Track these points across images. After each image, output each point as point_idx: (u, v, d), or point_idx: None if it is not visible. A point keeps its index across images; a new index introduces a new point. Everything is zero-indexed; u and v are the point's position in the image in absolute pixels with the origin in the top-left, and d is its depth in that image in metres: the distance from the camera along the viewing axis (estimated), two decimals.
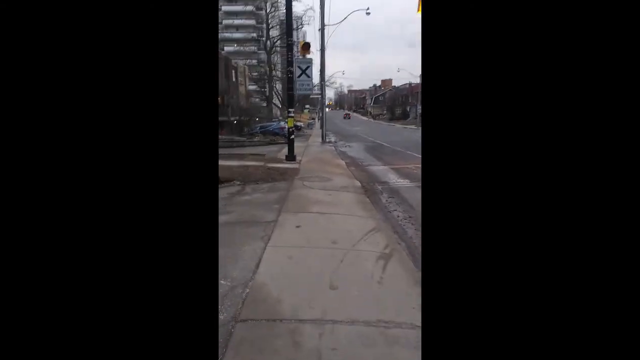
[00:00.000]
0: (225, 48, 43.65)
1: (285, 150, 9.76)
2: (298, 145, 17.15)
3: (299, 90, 10.12)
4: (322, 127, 20.10)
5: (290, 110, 9.76)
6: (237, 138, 19.11)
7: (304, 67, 9.95)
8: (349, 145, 18.17)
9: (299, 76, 9.83)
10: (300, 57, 11.07)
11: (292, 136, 9.77)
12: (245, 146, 17.61)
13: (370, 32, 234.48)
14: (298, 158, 11.09)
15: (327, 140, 20.32)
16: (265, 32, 30.83)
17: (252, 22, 53.73)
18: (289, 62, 9.18)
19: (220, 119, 22.77)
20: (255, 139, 19.06)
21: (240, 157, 10.79)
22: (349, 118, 64.52)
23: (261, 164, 9.31)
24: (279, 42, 29.54)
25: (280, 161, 10.29)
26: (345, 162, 10.65)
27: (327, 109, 26.75)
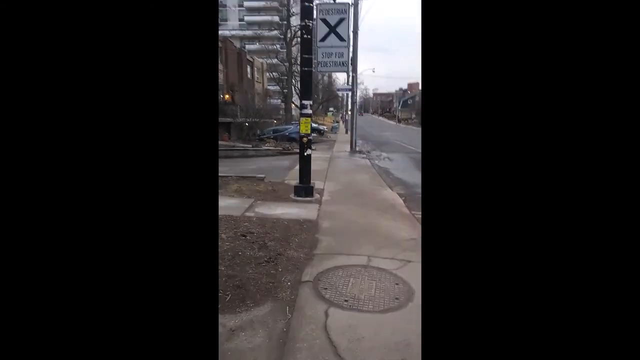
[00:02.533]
0: (247, 47, 39.96)
1: (310, 152, 5.58)
2: (319, 157, 12.44)
3: (323, 64, 5.51)
4: (351, 131, 15.48)
5: (305, 104, 5.22)
6: (240, 145, 14.80)
7: (333, 20, 5.04)
8: (388, 158, 13.45)
9: (324, 38, 5.16)
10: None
11: (309, 151, 5.27)
12: (249, 156, 13.23)
13: (397, 33, 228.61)
14: (318, 184, 6.55)
15: (357, 148, 15.73)
16: (285, 18, 26.52)
17: (276, 19, 50.12)
18: (304, 10, 4.60)
19: (222, 119, 18.47)
20: (264, 147, 14.70)
21: (225, 182, 6.40)
22: (362, 115, 60.91)
23: (242, 205, 4.86)
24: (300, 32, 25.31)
25: (284, 193, 5.80)
26: (403, 199, 5.98)
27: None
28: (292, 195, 5.60)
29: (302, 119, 5.37)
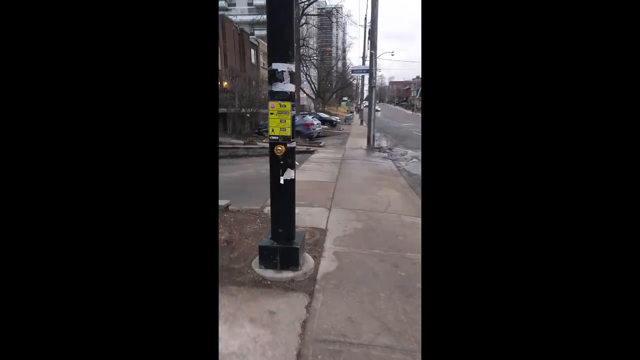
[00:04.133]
0: (257, 32, 36.95)
1: (295, 175, 2.70)
2: (327, 157, 9.25)
3: None
4: (369, 123, 12.39)
5: (278, 71, 2.29)
6: (228, 142, 11.94)
7: None
8: (417, 158, 10.38)
9: None
10: None
11: (289, 173, 2.38)
12: (238, 156, 10.34)
13: (413, 18, 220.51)
14: (317, 219, 3.74)
15: (376, 144, 12.69)
16: None
17: None
18: None
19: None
20: (260, 144, 11.79)
21: None
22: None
23: None
24: (310, 7, 22.04)
25: (248, 254, 2.90)
26: None
27: (366, 102, 19.15)
28: (256, 269, 2.68)
29: (274, 106, 2.45)
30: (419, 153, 11.12)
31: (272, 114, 2.47)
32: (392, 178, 7.09)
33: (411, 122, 31.99)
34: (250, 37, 26.36)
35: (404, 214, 4.56)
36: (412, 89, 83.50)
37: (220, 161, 9.62)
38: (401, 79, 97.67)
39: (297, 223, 2.86)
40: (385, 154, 10.79)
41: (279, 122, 2.50)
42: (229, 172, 7.69)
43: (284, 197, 2.61)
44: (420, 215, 4.53)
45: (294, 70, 2.48)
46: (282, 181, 2.56)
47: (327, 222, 4.08)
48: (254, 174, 7.43)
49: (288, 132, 2.50)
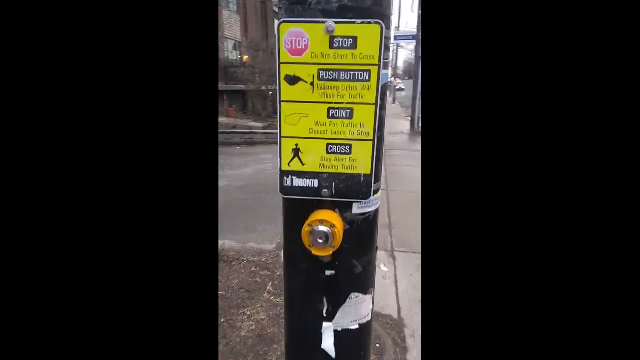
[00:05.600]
0: None
1: (372, 313, 0.71)
2: None
3: None
4: (413, 102, 10.27)
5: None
6: (243, 126, 10.18)
7: None
8: None
9: None
10: None
11: (355, 320, 0.67)
12: (254, 143, 8.57)
13: None
14: (384, 343, 1.81)
15: (421, 129, 10.69)
16: None
17: None
18: None
19: (231, 87, 13.81)
20: None
21: None
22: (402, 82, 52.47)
23: None
24: None
25: None
26: None
27: (398, 80, 16.91)
28: None
29: (283, 80, 0.59)
30: None
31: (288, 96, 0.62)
32: None
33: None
34: (274, 6, 24.18)
35: None
36: None
37: (233, 150, 7.88)
38: None
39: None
40: None
41: (328, 124, 0.64)
42: (240, 169, 5.90)
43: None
44: None
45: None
46: (326, 342, 0.72)
47: (398, 297, 2.23)
48: (270, 172, 5.61)
49: (365, 168, 0.63)
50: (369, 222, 0.75)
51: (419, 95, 9.92)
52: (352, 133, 0.65)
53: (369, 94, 0.62)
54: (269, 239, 2.92)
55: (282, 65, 0.64)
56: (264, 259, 2.65)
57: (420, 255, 2.84)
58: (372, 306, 0.83)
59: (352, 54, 0.62)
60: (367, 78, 0.62)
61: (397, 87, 32.70)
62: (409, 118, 10.52)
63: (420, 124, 10.24)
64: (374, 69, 0.62)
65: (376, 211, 0.76)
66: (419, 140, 8.84)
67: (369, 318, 0.82)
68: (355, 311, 0.79)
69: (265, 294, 2.26)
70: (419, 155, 7.01)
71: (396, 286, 2.43)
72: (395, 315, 2.16)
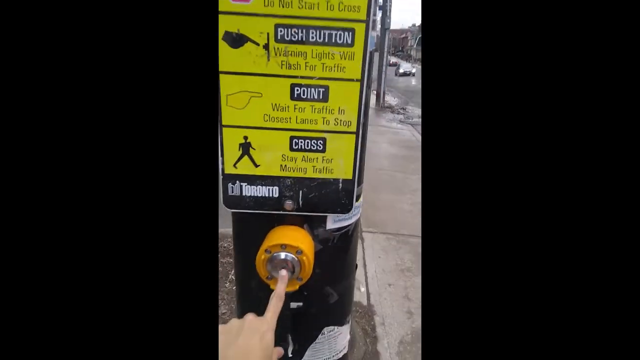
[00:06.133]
0: None
1: None
2: None
3: None
4: (379, 76, 10.13)
5: None
6: None
7: None
8: None
9: None
10: None
11: None
12: None
13: None
14: (354, 342, 1.70)
15: (386, 103, 10.69)
16: None
17: None
18: None
19: None
20: None
21: None
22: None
23: None
24: None
25: None
26: None
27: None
28: None
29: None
30: None
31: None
32: None
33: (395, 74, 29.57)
34: None
35: None
36: (409, 37, 79.95)
37: None
38: (398, 27, 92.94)
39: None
40: (400, 116, 8.79)
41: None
42: None
43: None
44: None
45: None
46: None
47: (367, 282, 2.14)
48: None
49: (345, 171, 0.43)
50: (348, 237, 0.57)
51: (384, 69, 9.79)
52: (327, 122, 0.45)
53: (352, 65, 0.43)
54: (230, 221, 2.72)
55: (220, 17, 0.42)
56: (225, 244, 2.45)
57: (388, 236, 2.76)
58: (349, 336, 0.67)
59: (328, 2, 0.41)
60: (350, 41, 0.42)
61: (403, 71, 30.53)
62: (375, 92, 10.40)
63: (384, 100, 10.18)
64: (360, 28, 0.42)
65: (356, 222, 0.58)
66: (385, 115, 8.80)
67: (345, 351, 0.66)
68: (329, 347, 0.62)
69: (227, 284, 2.09)
70: (385, 130, 6.95)
71: (365, 270, 2.34)
72: (365, 302, 2.07)
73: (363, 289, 2.23)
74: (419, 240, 2.68)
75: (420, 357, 1.61)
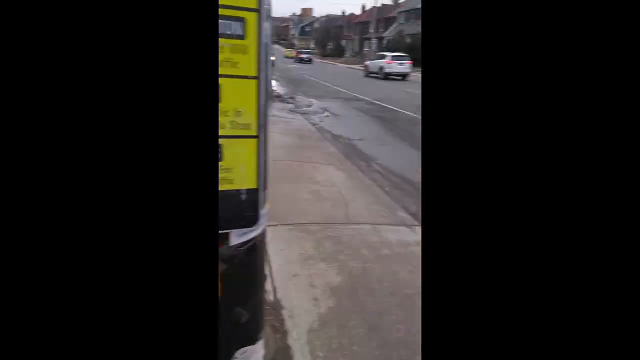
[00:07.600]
0: None
1: None
2: None
3: None
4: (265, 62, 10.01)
5: None
6: None
7: None
8: (327, 110, 8.80)
9: None
10: None
11: None
12: None
13: None
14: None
15: (274, 92, 10.75)
16: None
17: None
18: None
19: None
20: None
21: None
22: None
23: None
24: None
25: None
26: None
27: None
28: None
29: None
30: (326, 104, 9.63)
31: None
32: (319, 145, 5.39)
33: (297, 64, 30.29)
34: None
35: (377, 222, 2.94)
36: (290, 26, 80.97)
37: None
38: (279, 15, 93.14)
39: None
40: (291, 105, 8.91)
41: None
42: None
43: None
44: (399, 221, 2.98)
45: None
46: None
47: (272, 277, 2.12)
48: None
49: (248, 179, 0.38)
50: (256, 250, 0.52)
51: (269, 56, 9.75)
52: (222, 125, 0.39)
53: (246, 60, 0.37)
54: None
55: None
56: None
57: (290, 227, 2.78)
58: (263, 351, 0.63)
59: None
60: (241, 32, 0.37)
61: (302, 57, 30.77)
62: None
63: (272, 89, 10.16)
64: (251, 17, 0.37)
65: (264, 231, 0.53)
66: (274, 104, 8.81)
67: None
68: None
69: None
70: (277, 120, 6.95)
71: (269, 265, 2.31)
72: (272, 297, 2.04)
73: (269, 286, 2.20)
74: (319, 227, 2.77)
75: (328, 341, 1.67)
